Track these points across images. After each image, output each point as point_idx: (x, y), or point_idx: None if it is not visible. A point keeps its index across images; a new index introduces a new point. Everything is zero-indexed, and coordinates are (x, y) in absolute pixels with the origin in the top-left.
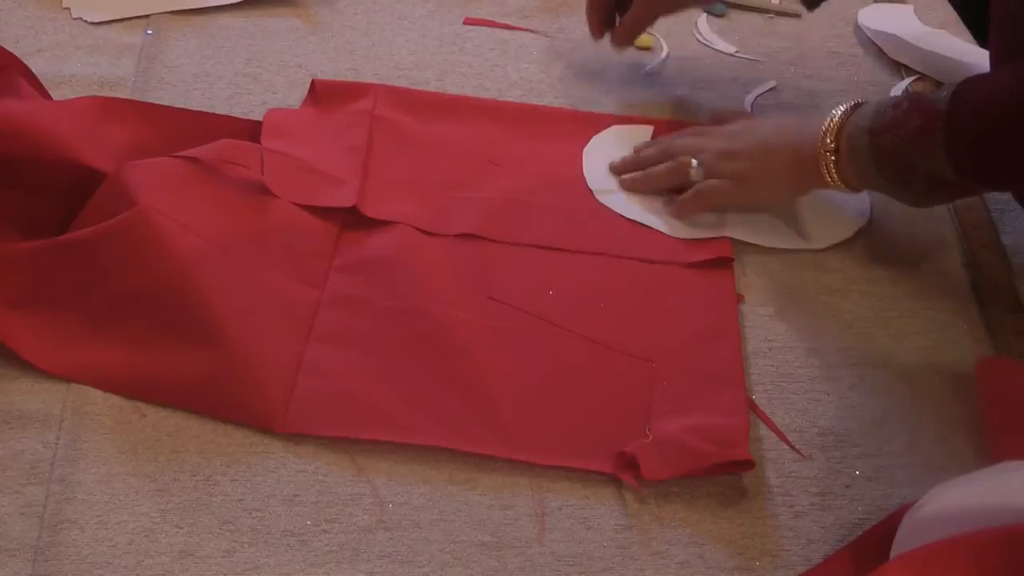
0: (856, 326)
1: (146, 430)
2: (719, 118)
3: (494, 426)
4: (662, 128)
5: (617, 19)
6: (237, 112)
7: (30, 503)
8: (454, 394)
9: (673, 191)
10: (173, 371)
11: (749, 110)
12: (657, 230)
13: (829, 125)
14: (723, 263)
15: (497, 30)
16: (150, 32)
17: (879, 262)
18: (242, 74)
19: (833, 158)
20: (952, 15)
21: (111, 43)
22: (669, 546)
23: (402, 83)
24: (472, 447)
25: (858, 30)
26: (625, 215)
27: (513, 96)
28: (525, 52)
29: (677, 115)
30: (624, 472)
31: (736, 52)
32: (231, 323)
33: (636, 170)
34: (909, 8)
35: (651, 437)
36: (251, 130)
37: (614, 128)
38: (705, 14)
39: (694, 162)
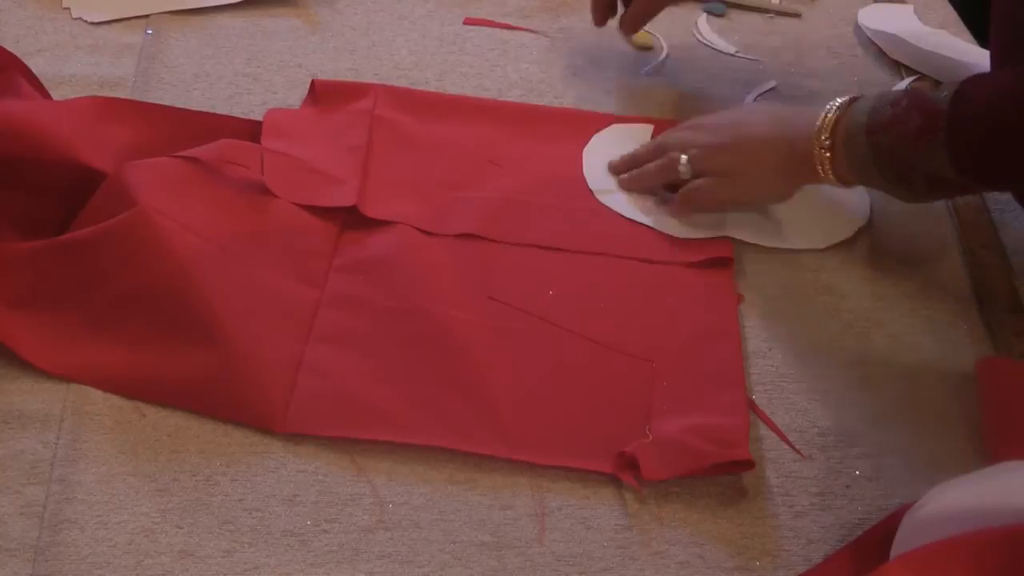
0: (856, 326)
1: (146, 430)
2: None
3: (494, 426)
4: (662, 128)
5: (619, 7)
6: (237, 112)
7: (30, 503)
8: (454, 394)
9: (669, 189)
10: (173, 371)
11: None
12: (657, 230)
13: (825, 120)
14: (723, 263)
15: (497, 30)
16: (150, 32)
17: (879, 262)
18: (242, 74)
19: (828, 154)
20: (952, 15)
21: (111, 43)
22: (669, 546)
23: (402, 83)
24: (472, 447)
25: (858, 30)
26: (625, 215)
27: (513, 96)
28: (525, 52)
29: (677, 115)
30: (624, 472)
31: (736, 52)
32: (231, 323)
33: (632, 169)
34: (909, 8)
35: (651, 437)
36: (251, 130)
37: (614, 128)
38: (705, 14)
39: (683, 158)
